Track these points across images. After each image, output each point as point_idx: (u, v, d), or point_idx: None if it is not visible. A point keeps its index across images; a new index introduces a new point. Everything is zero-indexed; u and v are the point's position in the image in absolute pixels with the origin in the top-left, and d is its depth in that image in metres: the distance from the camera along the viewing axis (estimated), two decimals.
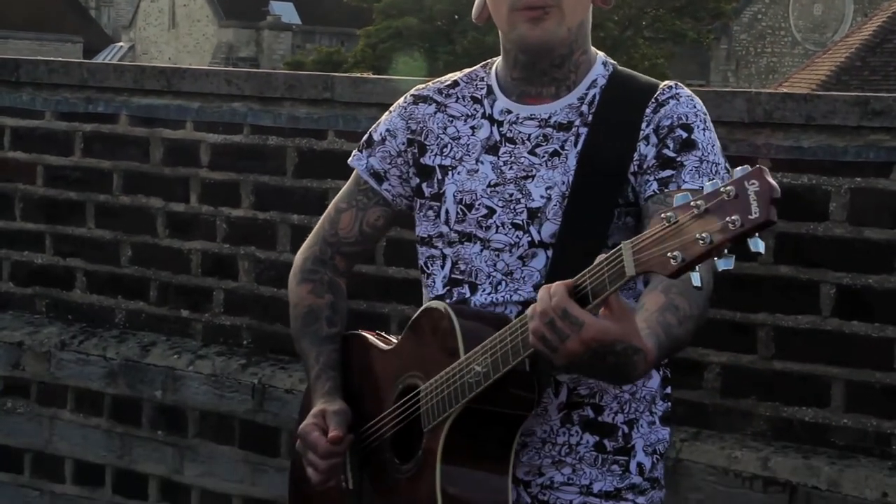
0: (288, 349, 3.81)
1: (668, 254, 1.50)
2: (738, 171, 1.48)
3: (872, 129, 3.01)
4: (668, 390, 2.05)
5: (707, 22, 31.92)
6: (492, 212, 1.94)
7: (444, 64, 24.94)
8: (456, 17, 29.62)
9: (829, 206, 3.07)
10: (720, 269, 1.49)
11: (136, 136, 4.04)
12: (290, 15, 43.92)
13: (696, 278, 1.51)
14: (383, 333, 2.11)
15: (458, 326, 1.84)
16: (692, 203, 1.50)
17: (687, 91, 1.96)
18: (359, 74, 4.36)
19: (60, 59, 4.71)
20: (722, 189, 1.47)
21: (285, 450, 3.64)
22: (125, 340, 4.01)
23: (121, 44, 50.24)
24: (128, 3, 54.77)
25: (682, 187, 1.84)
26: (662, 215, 1.52)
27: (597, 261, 1.62)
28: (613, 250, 1.59)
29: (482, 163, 1.96)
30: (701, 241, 1.47)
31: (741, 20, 35.44)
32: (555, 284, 1.64)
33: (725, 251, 1.48)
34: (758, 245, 1.47)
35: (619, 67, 2.01)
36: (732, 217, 1.46)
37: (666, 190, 1.86)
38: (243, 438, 3.78)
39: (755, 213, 1.46)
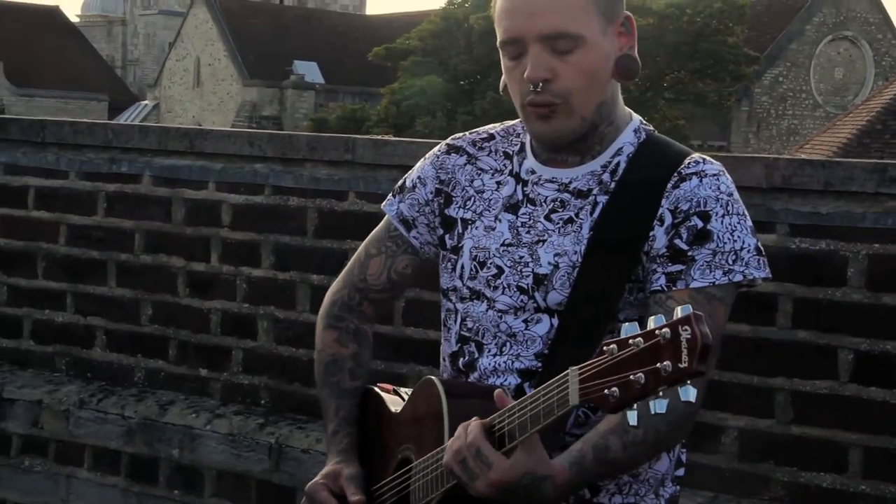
0: (305, 409, 3.82)
1: (606, 390, 1.50)
2: (680, 310, 1.46)
3: (891, 195, 3.02)
4: (681, 472, 1.97)
5: (728, 84, 32.02)
6: (500, 272, 1.92)
7: (461, 124, 25.06)
8: (478, 76, 29.83)
9: (847, 271, 3.07)
10: (653, 412, 1.47)
11: (159, 196, 4.08)
12: (313, 74, 44.32)
13: (632, 417, 1.49)
14: (400, 390, 2.10)
15: (447, 410, 1.82)
16: (631, 340, 1.49)
17: (714, 168, 1.86)
18: (379, 136, 4.38)
19: (86, 119, 4.77)
20: (657, 331, 1.46)
21: None
22: (143, 399, 4.02)
23: (146, 102, 50.77)
24: (154, 61, 55.44)
25: (690, 285, 1.79)
26: (605, 347, 1.52)
27: (536, 390, 1.62)
28: (559, 376, 1.58)
29: (500, 221, 1.95)
30: (636, 383, 1.47)
31: (762, 82, 35.57)
32: (472, 423, 1.67)
33: (660, 393, 1.46)
34: (687, 394, 1.44)
35: (655, 135, 1.95)
36: (664, 362, 1.45)
37: (674, 288, 1.80)
38: (260, 498, 3.77)
39: (684, 362, 1.44)
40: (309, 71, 44.24)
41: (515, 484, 1.65)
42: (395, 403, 2.03)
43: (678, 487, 1.96)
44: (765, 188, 3.13)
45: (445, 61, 30.45)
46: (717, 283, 1.80)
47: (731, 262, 1.80)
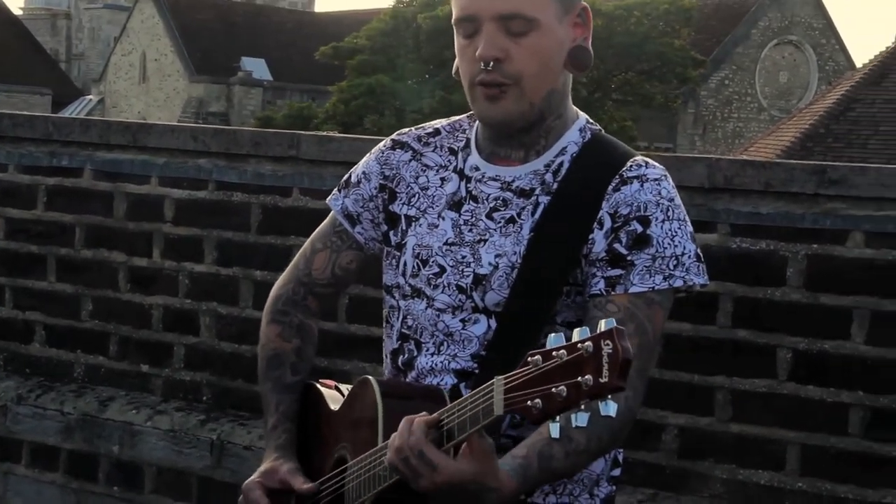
0: (248, 405, 3.80)
1: (530, 402, 1.50)
2: (603, 324, 1.47)
3: (829, 196, 3.06)
4: (617, 472, 1.96)
5: (675, 86, 32.27)
6: (442, 271, 1.91)
7: (410, 121, 25.05)
8: (427, 76, 29.84)
9: (787, 271, 3.10)
10: (574, 425, 1.48)
11: (100, 191, 4.04)
12: (261, 71, 44.07)
13: (554, 429, 1.50)
14: (342, 387, 2.09)
15: (382, 411, 1.81)
16: (555, 352, 1.49)
17: (656, 172, 1.86)
18: (324, 133, 4.38)
19: (26, 112, 4.71)
20: (580, 345, 1.47)
21: None
22: (83, 395, 3.98)
23: (90, 97, 50.24)
24: (99, 56, 54.86)
25: (629, 290, 1.79)
26: (530, 358, 1.51)
27: (464, 397, 1.61)
28: (485, 385, 1.57)
29: (444, 218, 1.94)
30: (558, 396, 1.47)
31: (709, 85, 35.87)
32: (416, 421, 1.64)
33: (582, 406, 1.47)
34: (608, 408, 1.45)
35: (600, 134, 1.93)
36: (586, 376, 1.45)
37: (613, 292, 1.80)
38: (201, 495, 3.74)
39: (605, 377, 1.44)
40: (257, 68, 43.99)
41: (460, 488, 1.64)
42: (334, 400, 2.02)
43: (614, 487, 1.96)
44: (707, 188, 3.16)
45: (394, 60, 30.41)
46: (656, 287, 1.80)
47: (671, 267, 1.81)
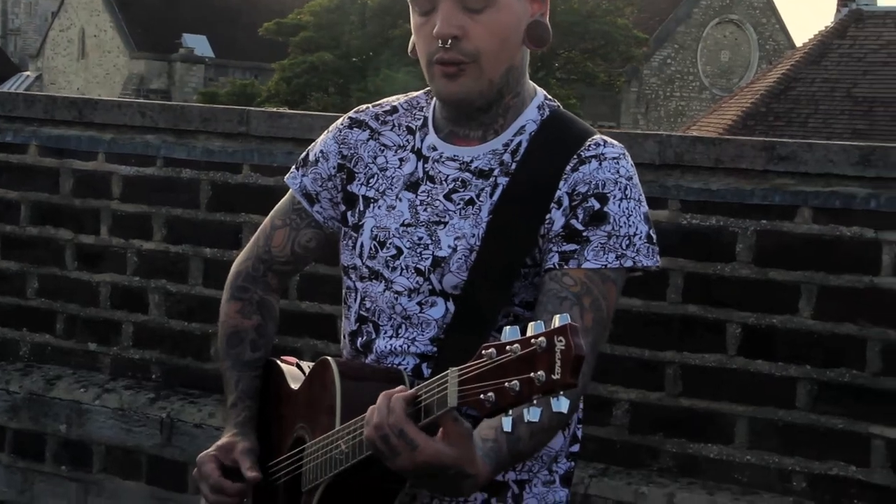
0: (198, 383, 3.78)
1: (482, 395, 1.49)
2: (557, 318, 1.46)
3: (778, 173, 3.10)
4: (576, 448, 1.96)
5: (618, 65, 32.39)
6: (400, 253, 1.89)
7: (356, 100, 24.95)
8: (371, 53, 29.69)
9: (736, 247, 3.14)
10: (526, 420, 1.47)
11: (46, 167, 3.99)
12: (203, 48, 43.61)
13: (507, 423, 1.50)
14: (304, 364, 2.07)
15: (340, 394, 1.79)
16: (508, 346, 1.48)
17: (615, 150, 1.84)
18: (275, 109, 4.34)
19: None
20: (534, 340, 1.46)
21: (193, 486, 3.59)
22: (29, 373, 3.94)
23: (28, 73, 49.43)
24: (36, 31, 53.99)
25: (583, 265, 1.78)
26: (484, 351, 1.50)
27: (432, 379, 1.60)
28: (441, 374, 1.55)
29: (401, 200, 1.91)
30: (511, 391, 1.47)
31: (651, 64, 36.07)
32: (394, 397, 1.61)
33: (534, 401, 1.46)
34: (560, 405, 1.44)
35: (558, 112, 1.91)
36: (538, 372, 1.44)
37: (566, 266, 1.78)
38: (150, 474, 3.72)
39: (557, 373, 1.43)
40: (198, 44, 43.51)
41: (439, 470, 1.61)
42: (295, 379, 1.99)
43: (573, 463, 1.96)
44: (657, 165, 3.18)
45: (338, 37, 30.21)
46: (609, 265, 1.79)
47: (624, 246, 1.80)
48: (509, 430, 1.50)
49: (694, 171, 3.17)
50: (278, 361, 2.07)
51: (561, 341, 1.44)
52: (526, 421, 1.47)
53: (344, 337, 2.01)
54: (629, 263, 1.80)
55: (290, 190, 2.06)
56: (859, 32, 19.28)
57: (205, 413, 3.64)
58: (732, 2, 37.58)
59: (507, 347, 1.47)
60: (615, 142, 1.88)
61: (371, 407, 1.63)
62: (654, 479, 3.19)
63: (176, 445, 3.67)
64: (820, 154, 3.05)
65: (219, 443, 1.98)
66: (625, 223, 1.80)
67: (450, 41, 1.80)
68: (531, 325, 1.47)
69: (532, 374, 1.45)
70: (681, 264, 3.18)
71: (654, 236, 1.83)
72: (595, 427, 3.20)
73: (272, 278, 2.09)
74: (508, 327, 1.50)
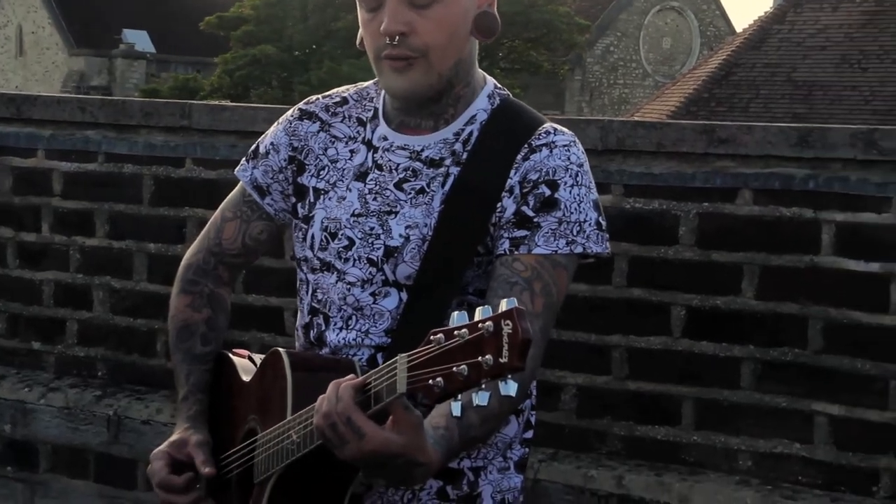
0: (145, 379, 3.75)
1: (431, 381, 1.49)
2: (505, 303, 1.46)
3: (718, 155, 3.13)
4: (530, 435, 1.97)
5: (561, 53, 32.49)
6: (351, 243, 1.89)
7: (299, 94, 24.83)
8: (314, 46, 29.56)
9: (679, 230, 3.17)
10: (475, 404, 1.47)
11: None
12: (143, 43, 43.18)
13: (455, 407, 1.50)
14: (255, 357, 2.06)
15: (291, 384, 1.78)
16: (456, 331, 1.48)
17: (566, 138, 1.85)
18: (217, 102, 4.32)
19: None
20: (481, 325, 1.46)
21: (142, 482, 3.57)
22: None
23: None
24: None
25: (533, 251, 1.79)
26: (433, 336, 1.50)
27: (381, 366, 1.60)
28: (392, 360, 1.55)
29: (350, 190, 1.91)
30: (459, 375, 1.47)
31: (594, 52, 36.22)
32: (343, 385, 1.61)
33: (483, 385, 1.46)
34: (508, 388, 1.45)
35: (509, 100, 1.91)
36: (486, 356, 1.44)
37: (516, 252, 1.79)
38: (98, 472, 3.69)
39: (504, 357, 1.43)
40: (139, 40, 43.07)
41: (387, 459, 1.61)
42: (247, 371, 1.99)
43: (527, 449, 1.97)
44: (600, 150, 3.20)
45: (280, 31, 30.05)
46: (559, 251, 1.80)
47: (574, 232, 1.81)
48: (458, 415, 1.50)
49: (636, 155, 3.20)
50: (230, 354, 2.07)
51: (508, 325, 1.44)
52: (475, 405, 1.47)
53: (298, 329, 2.01)
54: (579, 250, 1.81)
55: (241, 182, 2.05)
56: (797, 17, 19.49)
57: (152, 409, 3.62)
58: None
59: (455, 332, 1.47)
60: (565, 129, 1.89)
61: (321, 396, 1.63)
62: (603, 462, 3.22)
63: (124, 443, 3.65)
64: (759, 136, 3.08)
65: (171, 438, 1.97)
66: (575, 209, 1.81)
67: (397, 38, 1.80)
68: (478, 310, 1.47)
69: (480, 359, 1.44)
70: (625, 248, 3.21)
71: (604, 223, 1.85)
72: (543, 412, 3.21)
73: (223, 271, 2.08)
74: (456, 313, 1.50)
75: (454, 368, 1.46)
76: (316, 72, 27.85)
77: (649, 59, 37.57)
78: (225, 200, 2.08)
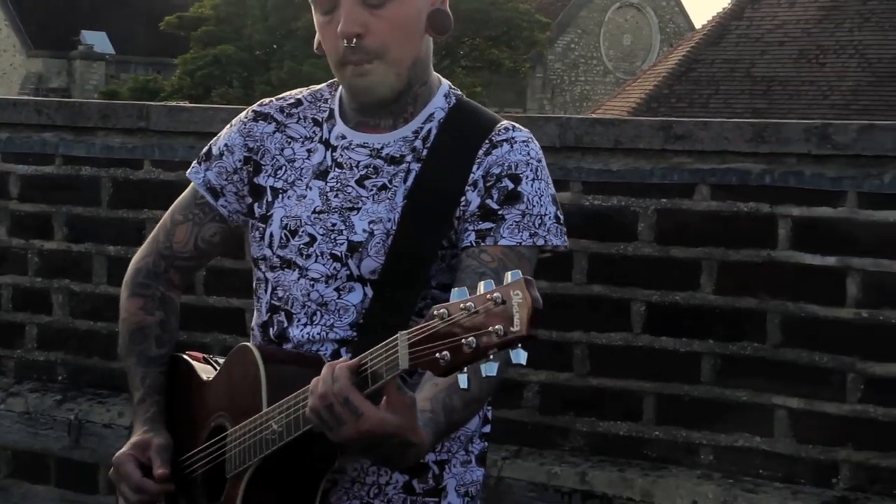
0: (106, 383, 3.73)
1: (437, 354, 1.51)
2: (510, 275, 1.49)
3: (675, 152, 3.15)
4: (488, 429, 2.01)
5: (522, 51, 32.56)
6: (313, 240, 1.91)
7: (260, 93, 24.75)
8: (274, 46, 29.47)
9: (638, 226, 3.19)
10: (484, 375, 1.50)
11: None
12: (102, 44, 42.86)
13: (462, 380, 1.53)
14: (211, 358, 2.07)
15: (264, 377, 1.80)
16: (462, 305, 1.51)
17: (524, 135, 1.91)
18: (175, 103, 4.30)
19: None
20: (489, 296, 1.49)
21: (104, 486, 3.55)
22: None
23: None
24: None
25: (499, 242, 1.83)
26: (436, 311, 1.53)
27: (378, 345, 1.62)
28: (390, 339, 1.57)
29: (311, 188, 1.93)
30: (467, 347, 1.49)
31: (555, 49, 36.32)
32: (338, 366, 1.63)
33: (491, 356, 1.49)
34: (519, 357, 1.48)
35: (464, 100, 1.96)
36: (496, 326, 1.47)
37: (483, 243, 1.83)
38: (59, 477, 3.67)
39: (516, 326, 1.46)
40: (98, 41, 42.75)
41: (382, 439, 1.63)
42: (206, 371, 2.01)
43: (486, 443, 2.01)
44: (558, 147, 3.22)
45: (240, 30, 29.93)
46: (523, 243, 1.84)
47: (536, 225, 1.85)
48: (465, 386, 1.53)
49: (594, 152, 3.22)
50: (185, 356, 2.07)
51: (518, 295, 1.47)
52: (484, 376, 1.50)
53: (254, 329, 2.02)
54: (541, 242, 1.86)
55: (192, 185, 2.06)
56: (755, 13, 19.62)
57: (114, 413, 3.60)
58: None
59: (462, 306, 1.51)
60: (522, 127, 1.94)
61: (315, 378, 1.65)
62: (567, 458, 3.23)
63: (85, 447, 3.63)
64: (715, 132, 3.11)
65: (132, 440, 1.98)
66: (537, 203, 1.86)
67: (354, 40, 1.83)
68: (481, 285, 1.51)
69: (491, 328, 1.47)
70: (584, 245, 3.22)
71: (562, 217, 1.90)
72: (506, 410, 3.23)
73: (174, 274, 2.09)
74: (456, 289, 1.54)
75: (462, 340, 1.49)
76: (277, 71, 27.77)
77: (610, 55, 37.72)
78: (174, 204, 2.08)
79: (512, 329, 1.47)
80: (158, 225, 2.10)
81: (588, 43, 37.46)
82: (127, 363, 2.07)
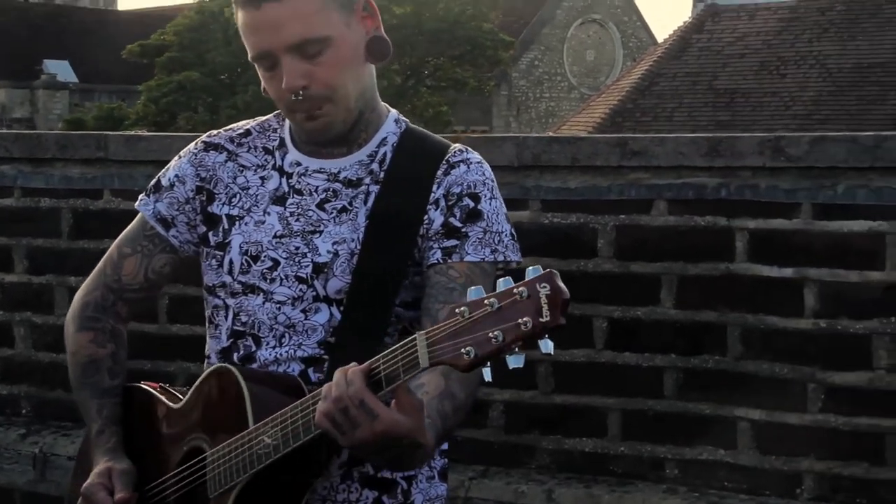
0: (70, 415, 3.71)
1: (463, 349, 1.55)
2: (531, 271, 1.54)
3: (632, 168, 3.17)
4: (445, 446, 2.03)
5: (487, 69, 32.68)
6: (276, 264, 1.93)
7: (226, 117, 24.72)
8: (238, 70, 29.45)
9: (598, 243, 3.21)
10: (511, 367, 1.54)
11: None
12: (65, 73, 42.71)
13: (487, 373, 1.57)
14: (168, 387, 2.08)
15: (248, 394, 1.82)
16: (486, 300, 1.55)
17: (476, 156, 1.98)
18: (133, 132, 4.29)
19: None
20: (515, 290, 1.53)
21: None
22: None
23: None
24: None
25: (465, 259, 1.88)
26: (457, 310, 1.57)
27: (393, 347, 1.65)
28: (408, 339, 1.62)
29: (269, 214, 1.95)
30: (493, 340, 1.53)
31: (519, 67, 36.47)
32: (352, 370, 1.66)
33: (516, 349, 1.53)
34: (547, 346, 1.53)
35: (412, 126, 2.02)
36: (524, 318, 1.52)
37: (449, 260, 1.88)
38: None
39: (546, 316, 1.50)
40: (61, 70, 42.60)
41: (394, 441, 1.65)
42: (170, 398, 2.01)
43: (446, 460, 2.04)
44: (516, 166, 3.24)
45: (203, 56, 29.90)
46: (486, 259, 1.90)
47: (496, 242, 1.91)
48: (490, 379, 1.56)
49: (552, 170, 3.24)
50: (141, 386, 2.07)
51: (545, 287, 1.52)
52: (511, 368, 1.54)
53: (211, 355, 2.02)
54: (501, 258, 1.93)
55: (139, 217, 2.08)
56: (716, 26, 19.79)
57: (79, 445, 3.57)
58: (594, 2, 38.22)
59: (485, 302, 1.54)
60: (472, 149, 2.01)
61: (327, 384, 1.68)
62: (533, 476, 3.24)
63: (51, 480, 3.60)
64: (670, 147, 3.13)
65: (96, 471, 1.98)
66: (495, 220, 1.93)
67: (300, 92, 1.87)
68: (500, 282, 1.56)
69: (519, 320, 1.51)
70: (545, 263, 3.23)
71: (515, 234, 1.96)
72: (472, 430, 3.24)
73: (122, 307, 2.10)
74: (472, 288, 1.59)
75: (489, 334, 1.53)
76: (242, 95, 27.75)
77: (574, 71, 37.90)
78: (120, 237, 2.10)
79: (541, 320, 1.50)
80: (104, 258, 2.11)
81: (552, 59, 37.64)
82: (80, 396, 2.08)
